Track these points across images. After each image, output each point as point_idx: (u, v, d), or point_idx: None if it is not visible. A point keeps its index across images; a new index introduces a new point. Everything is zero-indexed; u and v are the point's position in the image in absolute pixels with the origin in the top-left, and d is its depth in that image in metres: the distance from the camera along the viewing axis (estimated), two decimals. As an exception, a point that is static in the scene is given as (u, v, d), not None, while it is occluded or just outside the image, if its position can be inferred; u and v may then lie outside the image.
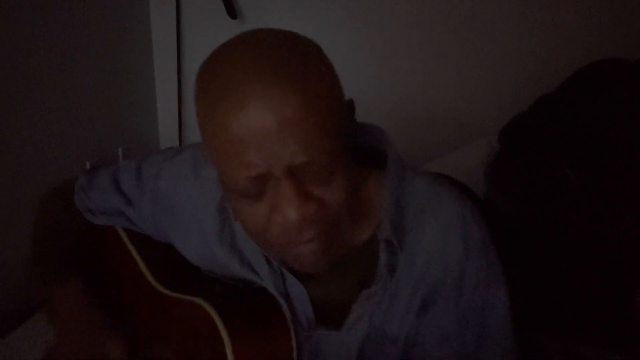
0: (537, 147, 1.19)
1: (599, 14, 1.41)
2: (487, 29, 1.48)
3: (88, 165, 1.44)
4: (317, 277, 0.66)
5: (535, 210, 1.16)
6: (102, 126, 1.53)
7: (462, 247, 0.63)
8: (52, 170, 1.31)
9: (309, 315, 0.66)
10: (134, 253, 0.77)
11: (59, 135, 1.36)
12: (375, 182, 0.66)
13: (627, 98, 1.16)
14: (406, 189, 0.65)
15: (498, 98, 1.51)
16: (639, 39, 1.38)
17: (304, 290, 0.65)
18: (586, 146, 1.13)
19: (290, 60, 0.50)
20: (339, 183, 0.53)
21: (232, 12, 1.57)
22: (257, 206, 0.53)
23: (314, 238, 0.54)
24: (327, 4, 1.56)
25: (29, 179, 1.24)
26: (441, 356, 0.65)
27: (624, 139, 1.11)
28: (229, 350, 0.61)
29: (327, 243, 0.56)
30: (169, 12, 1.67)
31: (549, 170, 1.14)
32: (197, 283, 0.73)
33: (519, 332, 0.68)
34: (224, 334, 0.62)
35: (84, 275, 0.74)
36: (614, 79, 1.20)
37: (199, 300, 0.66)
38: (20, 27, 1.21)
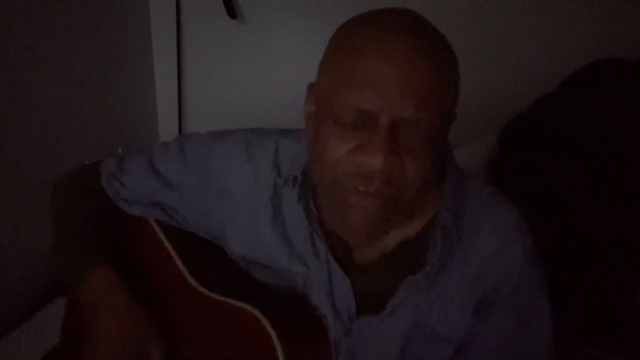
0: (537, 147, 1.19)
1: (599, 14, 1.41)
2: (487, 28, 1.48)
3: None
4: (364, 270, 0.66)
5: (535, 211, 1.16)
6: (102, 126, 1.53)
7: (522, 256, 0.64)
8: (51, 170, 1.31)
9: (350, 306, 0.66)
10: (169, 247, 0.74)
11: (59, 135, 1.36)
12: (432, 183, 0.66)
13: (627, 98, 1.16)
14: (465, 191, 0.66)
15: (498, 98, 1.50)
16: (639, 39, 1.38)
17: (347, 282, 0.65)
18: (586, 146, 1.13)
19: (427, 29, 0.58)
20: (425, 162, 0.55)
21: (232, 12, 1.57)
22: (346, 139, 0.55)
23: (377, 195, 0.56)
24: (328, 4, 1.56)
25: (28, 179, 1.24)
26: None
27: (624, 139, 1.11)
28: (282, 358, 0.61)
29: (383, 210, 0.57)
30: (169, 12, 1.66)
31: (549, 170, 1.14)
32: (238, 285, 0.71)
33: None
34: (275, 341, 0.62)
35: (117, 263, 0.70)
36: (614, 79, 1.20)
37: (248, 307, 0.65)
38: (20, 27, 1.21)
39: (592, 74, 1.23)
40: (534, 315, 0.66)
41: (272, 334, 0.62)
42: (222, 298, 0.68)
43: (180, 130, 1.77)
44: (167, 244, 0.74)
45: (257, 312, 0.64)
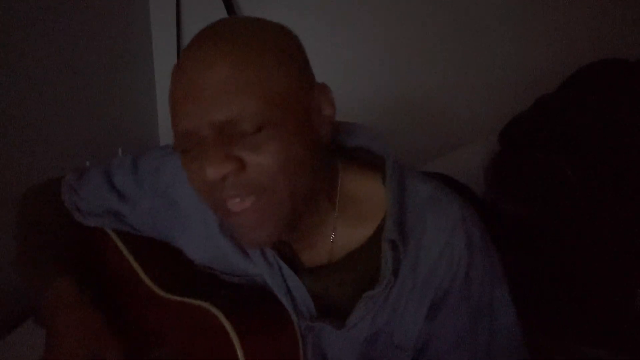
0: (537, 147, 1.19)
1: (599, 14, 1.41)
2: (487, 28, 1.48)
3: (88, 165, 1.44)
4: (314, 273, 0.67)
5: (535, 210, 1.16)
6: (102, 126, 1.53)
7: (467, 250, 0.63)
8: (51, 170, 1.31)
9: (310, 306, 0.66)
10: (128, 255, 0.75)
11: (59, 135, 1.36)
12: (374, 183, 0.66)
13: (627, 98, 1.16)
14: (406, 192, 0.65)
15: (498, 98, 1.51)
16: (639, 39, 1.38)
17: (299, 281, 0.66)
18: (586, 146, 1.13)
19: (233, 32, 0.57)
20: (270, 149, 0.54)
21: (232, 12, 1.57)
22: (192, 162, 0.56)
23: (244, 203, 0.56)
24: (327, 4, 1.56)
25: (28, 179, 1.24)
26: (458, 358, 0.65)
27: (623, 139, 1.11)
28: (239, 352, 0.61)
29: (262, 210, 0.56)
30: (169, 12, 1.66)
31: (548, 170, 1.14)
32: (198, 285, 0.72)
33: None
34: (233, 336, 0.62)
35: (76, 273, 0.71)
36: (614, 79, 1.20)
37: (204, 304, 0.65)
38: (20, 27, 1.21)
39: (592, 74, 1.23)
40: (490, 307, 0.65)
41: (228, 327, 0.62)
42: (180, 298, 0.69)
43: (180, 130, 1.77)
44: (124, 250, 0.75)
45: (212, 308, 0.64)
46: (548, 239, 1.13)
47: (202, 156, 0.54)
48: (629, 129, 1.12)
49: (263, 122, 0.53)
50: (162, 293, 0.71)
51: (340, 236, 0.66)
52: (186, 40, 1.70)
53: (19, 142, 1.23)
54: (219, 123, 0.53)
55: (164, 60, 1.73)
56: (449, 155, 1.39)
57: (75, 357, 0.64)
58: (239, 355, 0.61)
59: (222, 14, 1.56)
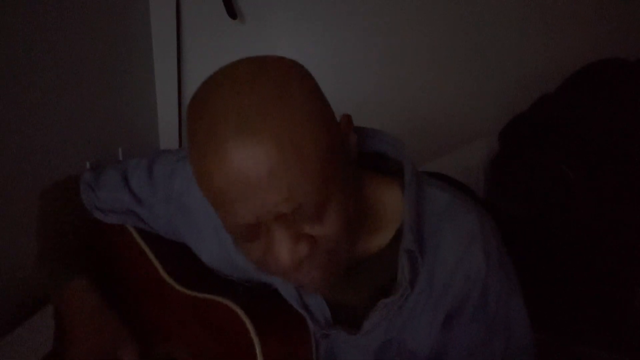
0: (537, 147, 1.19)
1: (599, 14, 1.42)
2: (487, 28, 1.48)
3: (88, 165, 1.44)
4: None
5: (535, 210, 1.16)
6: (102, 126, 1.53)
7: (484, 260, 0.62)
8: (52, 170, 1.31)
9: (326, 313, 0.66)
10: (147, 251, 0.75)
11: (59, 135, 1.36)
12: (391, 190, 0.65)
13: (627, 98, 1.16)
14: (424, 201, 0.64)
15: (498, 98, 1.51)
16: (639, 39, 1.38)
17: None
18: (586, 146, 1.13)
19: (267, 107, 0.48)
20: (332, 216, 0.52)
21: (232, 12, 1.57)
22: (254, 246, 0.53)
23: (311, 270, 0.54)
24: (328, 5, 1.56)
25: (29, 179, 1.24)
26: None
27: (623, 139, 1.11)
28: (259, 351, 0.61)
29: (327, 270, 0.55)
30: (169, 12, 1.67)
31: (549, 170, 1.14)
32: (215, 283, 0.72)
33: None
34: (253, 334, 0.62)
35: (92, 271, 0.72)
36: (614, 79, 1.20)
37: (224, 300, 0.66)
38: (20, 27, 1.21)
39: (592, 74, 1.23)
40: (506, 318, 0.65)
41: (249, 325, 0.63)
42: (200, 294, 0.69)
43: (180, 130, 1.77)
44: (144, 247, 0.76)
45: (235, 307, 0.65)
46: (548, 238, 1.13)
47: (270, 242, 0.52)
48: (629, 129, 1.12)
49: (324, 201, 0.51)
50: (181, 289, 0.72)
51: (359, 244, 0.65)
52: (186, 40, 1.71)
53: (19, 142, 1.23)
54: (284, 215, 0.50)
55: (164, 60, 1.73)
56: (449, 155, 1.39)
57: (90, 357, 0.64)
58: (258, 354, 0.61)
59: (222, 14, 1.56)
